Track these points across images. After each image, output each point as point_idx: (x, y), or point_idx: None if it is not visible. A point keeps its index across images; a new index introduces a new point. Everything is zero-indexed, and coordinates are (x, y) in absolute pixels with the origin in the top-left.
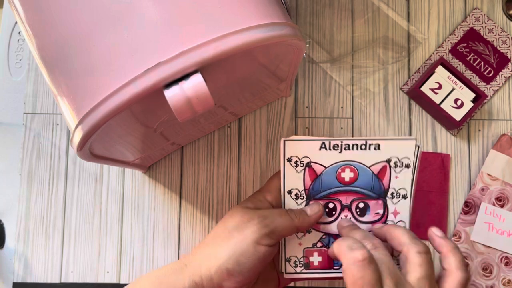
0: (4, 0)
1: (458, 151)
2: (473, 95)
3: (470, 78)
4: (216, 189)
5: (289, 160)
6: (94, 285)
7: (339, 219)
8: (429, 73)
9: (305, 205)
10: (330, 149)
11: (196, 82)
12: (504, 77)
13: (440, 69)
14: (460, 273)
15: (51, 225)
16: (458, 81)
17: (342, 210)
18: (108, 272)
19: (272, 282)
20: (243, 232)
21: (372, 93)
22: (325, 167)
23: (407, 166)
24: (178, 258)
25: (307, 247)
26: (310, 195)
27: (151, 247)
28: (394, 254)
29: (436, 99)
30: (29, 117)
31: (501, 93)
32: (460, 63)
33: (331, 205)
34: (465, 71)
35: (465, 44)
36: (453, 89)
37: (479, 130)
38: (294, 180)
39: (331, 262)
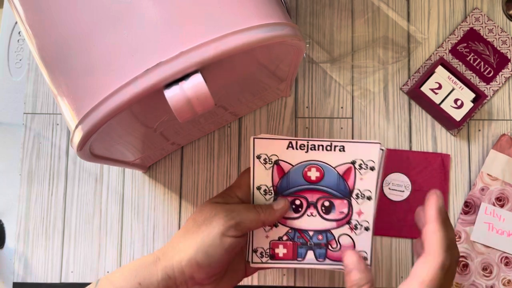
0: (4, 0)
1: (458, 151)
2: (473, 95)
3: (470, 78)
4: (216, 189)
5: (259, 157)
6: None
7: (304, 216)
8: (429, 73)
9: (273, 201)
10: (297, 149)
11: (196, 82)
12: (504, 77)
13: (440, 69)
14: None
15: (51, 225)
16: (458, 81)
17: (308, 207)
18: (108, 272)
19: (240, 272)
20: (211, 225)
21: (372, 93)
22: (292, 166)
23: (372, 168)
24: None
25: (273, 240)
26: (278, 191)
27: (151, 247)
28: None
29: (436, 99)
30: (29, 117)
31: (501, 93)
32: (460, 63)
33: (297, 202)
34: (465, 71)
35: (465, 44)
36: (453, 89)
37: (479, 130)
38: (263, 176)
39: (295, 254)
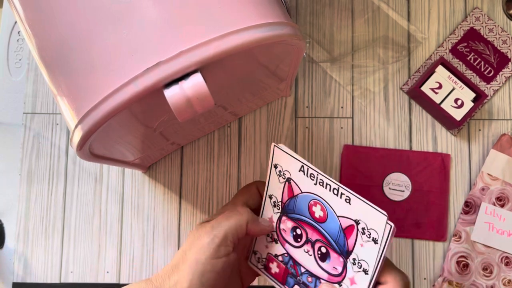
0: (4, 0)
1: (458, 151)
2: (473, 94)
3: (471, 78)
4: (216, 189)
5: (275, 166)
6: (94, 285)
7: (301, 249)
8: (429, 72)
9: (279, 218)
10: (307, 176)
11: (196, 82)
12: (504, 76)
13: (440, 69)
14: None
15: (50, 225)
16: (458, 81)
17: (306, 242)
18: (108, 272)
19: (236, 286)
20: (197, 252)
21: (372, 92)
22: (301, 191)
23: (375, 240)
24: None
25: (271, 254)
26: (285, 209)
27: (151, 247)
28: None
29: (436, 98)
30: (28, 117)
31: (501, 92)
32: (461, 62)
33: (298, 231)
34: (465, 70)
35: (465, 44)
36: (453, 89)
37: (479, 130)
38: (276, 188)
39: (285, 280)
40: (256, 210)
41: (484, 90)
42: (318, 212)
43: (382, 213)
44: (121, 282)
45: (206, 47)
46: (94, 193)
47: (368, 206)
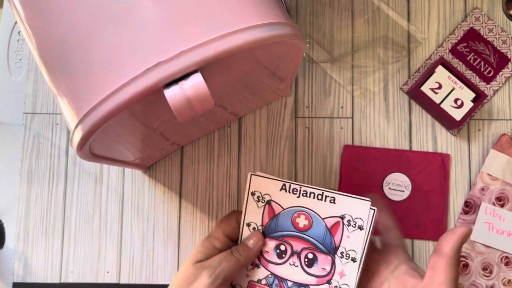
0: (4, 0)
1: (458, 151)
2: (473, 95)
3: (470, 78)
4: (216, 189)
5: (253, 194)
6: (94, 285)
7: (287, 263)
8: (429, 73)
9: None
10: (289, 192)
11: (196, 82)
12: (504, 77)
13: (440, 69)
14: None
15: (51, 225)
16: (458, 81)
17: (292, 255)
18: (108, 272)
19: None
20: None
21: (372, 93)
22: (283, 208)
23: (360, 227)
24: (178, 259)
25: (252, 281)
26: (266, 232)
27: (151, 247)
28: None
29: (436, 99)
30: (29, 117)
31: (501, 93)
32: (460, 63)
33: (282, 248)
34: (465, 71)
35: (465, 44)
36: (453, 89)
37: (479, 130)
38: (254, 214)
39: None
40: (237, 241)
41: (484, 90)
42: (302, 222)
43: (366, 200)
44: (121, 282)
45: (206, 47)
46: (94, 193)
47: (352, 198)
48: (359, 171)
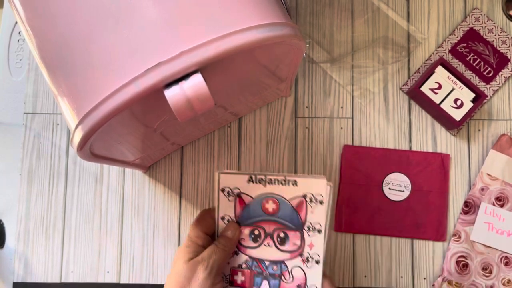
0: (5, 0)
1: (458, 151)
2: (473, 95)
3: (470, 78)
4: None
5: (223, 190)
6: (94, 285)
7: (262, 245)
8: (429, 73)
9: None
10: (256, 182)
11: (197, 82)
12: (504, 77)
13: (440, 69)
14: None
15: (51, 225)
16: (458, 81)
17: (265, 237)
18: (108, 272)
19: None
20: (199, 285)
21: (372, 93)
22: (252, 198)
23: (321, 202)
24: None
25: (233, 267)
26: (240, 221)
27: (151, 247)
28: None
29: (436, 99)
30: (29, 117)
31: (501, 93)
32: (460, 63)
33: (256, 232)
34: (465, 71)
35: (465, 44)
36: (453, 89)
37: (479, 130)
38: (226, 208)
39: (252, 283)
40: (215, 235)
41: (484, 90)
42: (271, 206)
43: (321, 177)
44: (122, 282)
45: (206, 47)
46: (95, 193)
47: (310, 178)
48: (359, 171)
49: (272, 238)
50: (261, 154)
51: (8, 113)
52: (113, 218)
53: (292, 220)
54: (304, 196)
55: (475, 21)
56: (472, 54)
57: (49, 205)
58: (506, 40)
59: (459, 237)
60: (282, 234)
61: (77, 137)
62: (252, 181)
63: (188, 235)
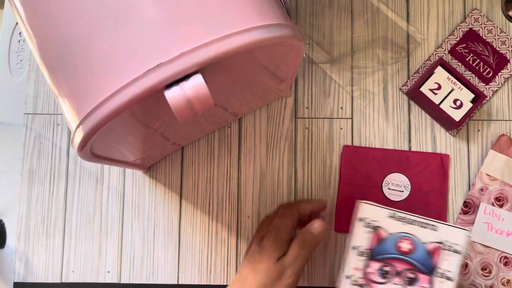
0: (5, 0)
1: (457, 151)
2: (472, 95)
3: (470, 79)
4: (216, 189)
5: (361, 220)
6: (95, 285)
7: (390, 283)
8: (429, 73)
9: (365, 264)
10: (396, 220)
11: (197, 83)
12: (503, 77)
13: (439, 70)
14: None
15: (52, 225)
16: (457, 82)
17: (395, 276)
18: (108, 272)
19: None
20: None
21: (372, 93)
22: (389, 234)
23: (457, 251)
24: (178, 258)
25: None
26: (372, 254)
27: (152, 247)
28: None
29: (436, 99)
30: (30, 118)
31: (500, 93)
32: (460, 63)
33: (386, 269)
34: (465, 71)
35: (465, 45)
36: (452, 90)
37: (478, 131)
38: (362, 238)
39: None
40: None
41: (483, 90)
42: (406, 246)
43: (464, 229)
44: (122, 281)
45: (206, 48)
46: (95, 193)
47: (451, 227)
48: (359, 172)
49: (401, 277)
50: (261, 155)
51: (9, 113)
52: (113, 218)
53: (424, 263)
54: (441, 243)
55: (474, 22)
56: (471, 55)
57: (49, 205)
58: (505, 40)
59: None
60: (412, 275)
61: (78, 137)
62: (393, 218)
63: (276, 226)
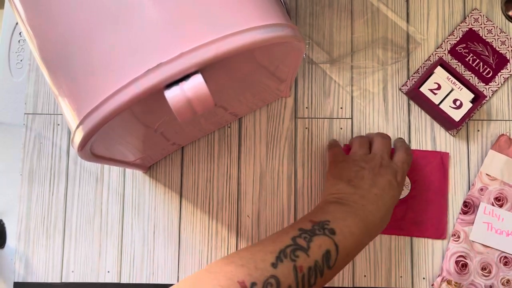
0: (5, 0)
1: (457, 151)
2: (472, 95)
3: (469, 79)
4: (216, 189)
5: None
6: (95, 285)
7: None
8: (428, 73)
9: None
10: None
11: (197, 83)
12: (503, 77)
13: (439, 70)
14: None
15: (52, 225)
16: (457, 82)
17: None
18: (108, 271)
19: None
20: None
21: (372, 93)
22: None
23: None
24: (179, 258)
25: None
26: None
27: (152, 247)
28: None
29: (435, 99)
30: (30, 118)
31: (500, 93)
32: (459, 63)
33: None
34: (464, 71)
35: (464, 45)
36: (452, 90)
37: (478, 131)
38: None
39: None
40: None
41: (483, 91)
42: None
43: None
44: (122, 281)
45: (206, 48)
46: (95, 193)
47: None
48: None
49: None
50: (261, 154)
51: (9, 113)
52: (113, 218)
53: None
54: None
55: (474, 22)
56: (471, 55)
57: (49, 205)
58: (505, 40)
59: (458, 237)
60: None
61: (78, 137)
62: None
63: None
